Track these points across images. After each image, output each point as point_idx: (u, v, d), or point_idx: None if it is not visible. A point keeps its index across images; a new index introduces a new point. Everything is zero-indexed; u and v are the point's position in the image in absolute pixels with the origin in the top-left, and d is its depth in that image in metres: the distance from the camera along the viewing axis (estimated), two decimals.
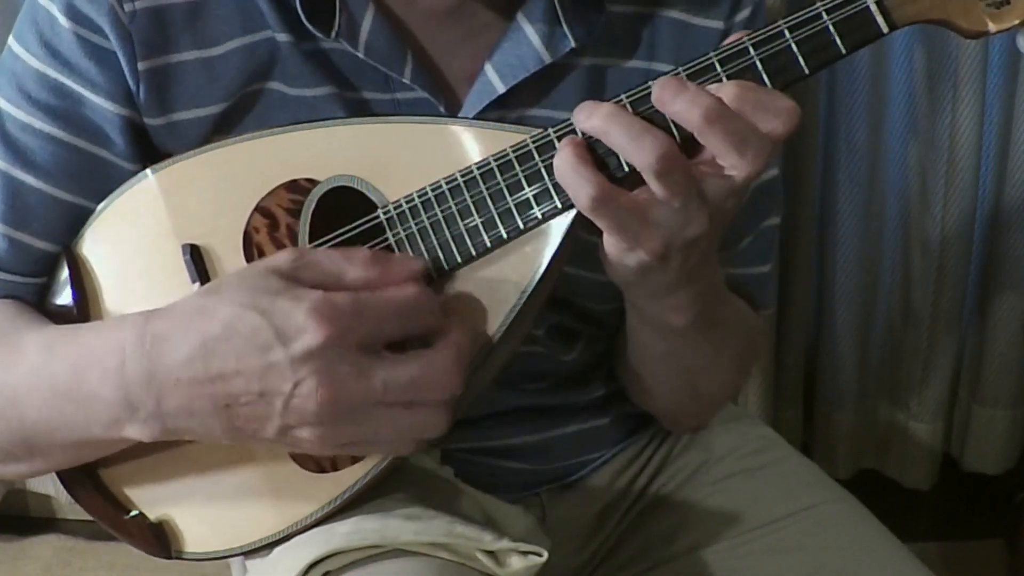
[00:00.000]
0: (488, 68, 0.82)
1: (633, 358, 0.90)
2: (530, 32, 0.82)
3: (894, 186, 1.56)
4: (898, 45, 1.47)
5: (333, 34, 0.80)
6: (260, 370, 0.68)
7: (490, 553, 0.78)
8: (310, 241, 0.78)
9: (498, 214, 0.74)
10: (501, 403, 0.92)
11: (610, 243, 0.71)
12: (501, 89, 0.82)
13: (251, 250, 0.78)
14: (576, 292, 0.87)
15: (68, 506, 1.75)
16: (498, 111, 0.83)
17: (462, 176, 0.74)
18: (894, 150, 1.54)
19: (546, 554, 0.78)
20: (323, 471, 0.78)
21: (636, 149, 0.68)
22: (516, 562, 0.78)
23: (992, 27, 0.70)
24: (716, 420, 1.03)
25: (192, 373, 0.69)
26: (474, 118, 0.82)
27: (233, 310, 0.69)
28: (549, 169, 0.72)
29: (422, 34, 0.83)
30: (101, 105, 0.81)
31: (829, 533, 0.92)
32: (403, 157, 0.76)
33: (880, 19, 0.69)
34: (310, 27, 0.79)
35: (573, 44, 0.82)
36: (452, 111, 0.84)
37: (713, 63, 0.70)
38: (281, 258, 0.71)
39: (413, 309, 0.71)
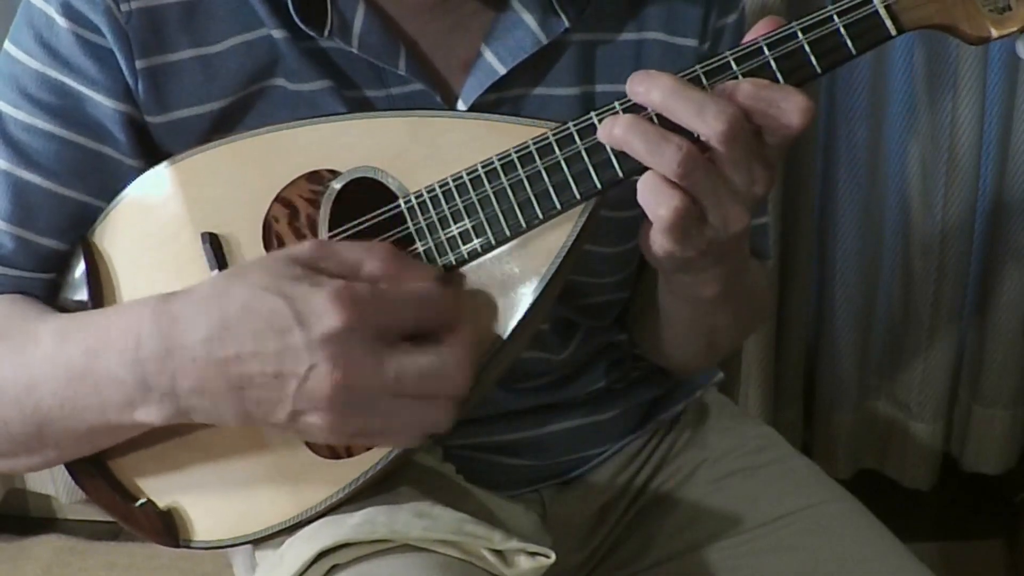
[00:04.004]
0: (486, 52, 0.84)
1: (658, 321, 0.92)
2: (525, 16, 0.84)
3: (894, 186, 1.56)
4: (899, 45, 1.47)
5: (326, 32, 0.81)
6: (277, 352, 0.68)
7: (498, 552, 0.79)
8: (329, 230, 0.79)
9: (518, 205, 0.75)
10: (499, 402, 0.93)
11: (663, 243, 0.72)
12: (502, 71, 0.84)
13: (271, 239, 0.79)
14: (581, 268, 0.88)
15: (68, 506, 1.75)
16: (495, 93, 0.85)
17: (483, 167, 0.75)
18: (894, 150, 1.54)
19: (554, 556, 0.78)
20: (337, 457, 0.78)
21: (700, 119, 0.69)
22: (524, 562, 0.78)
23: (994, 32, 0.72)
24: (716, 419, 1.04)
25: (209, 352, 0.69)
26: (474, 102, 0.84)
27: (253, 292, 0.69)
28: (569, 161, 0.74)
29: (412, 27, 0.84)
30: (102, 103, 0.82)
31: (829, 533, 0.92)
32: (423, 149, 0.77)
33: (889, 22, 0.71)
34: (304, 27, 0.80)
35: (567, 24, 0.84)
36: (448, 100, 0.85)
37: (729, 62, 0.72)
38: (303, 247, 0.72)
39: (429, 302, 0.72)
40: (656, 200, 0.70)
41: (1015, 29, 0.72)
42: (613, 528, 0.99)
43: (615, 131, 0.71)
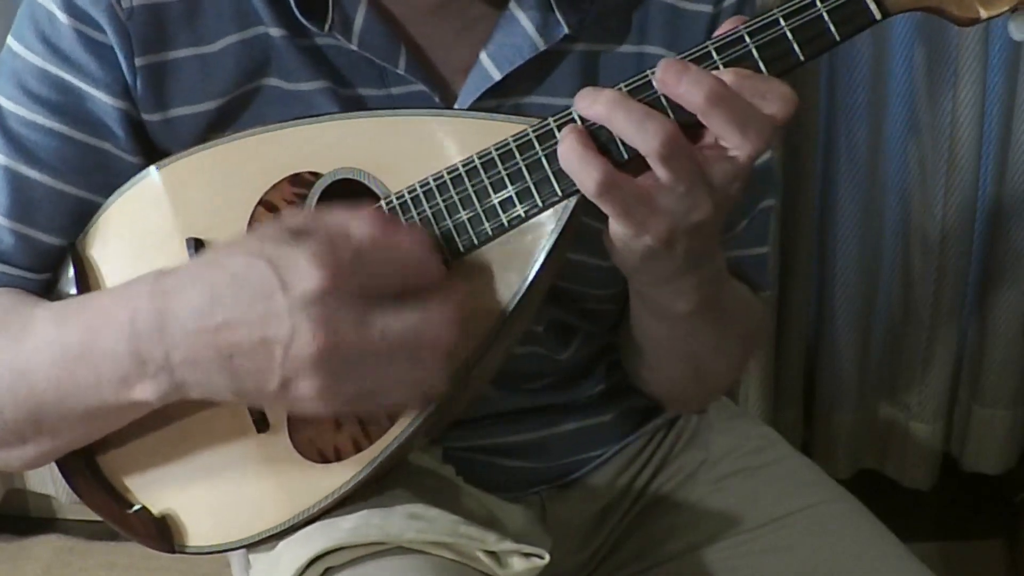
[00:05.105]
0: (483, 56, 0.83)
1: (637, 344, 0.91)
2: (523, 19, 0.83)
3: (894, 185, 1.56)
4: (898, 43, 1.47)
5: (327, 28, 0.80)
6: (261, 316, 0.67)
7: (492, 553, 0.78)
8: None
9: (500, 202, 0.75)
10: (499, 403, 0.93)
11: (616, 229, 0.71)
12: (497, 76, 0.83)
13: None
14: (576, 278, 0.88)
15: (68, 506, 1.75)
16: (494, 99, 0.84)
17: (464, 166, 0.75)
18: (894, 149, 1.54)
19: (548, 556, 0.78)
20: (327, 461, 0.78)
21: (640, 134, 0.68)
22: (518, 563, 0.78)
23: (984, 13, 0.70)
24: (716, 419, 1.04)
25: (200, 322, 0.69)
26: (470, 106, 0.83)
27: (242, 259, 0.69)
28: (550, 158, 0.73)
29: (414, 28, 0.84)
30: (101, 99, 0.82)
31: (829, 533, 0.92)
32: (405, 149, 0.77)
33: (872, 6, 0.69)
34: (304, 21, 0.80)
35: (566, 30, 0.83)
36: (448, 103, 0.84)
37: (710, 51, 0.70)
38: (294, 217, 0.72)
39: (413, 261, 0.71)
40: (582, 168, 0.69)
41: (1006, 9, 0.69)
42: (613, 529, 0.99)
43: (597, 107, 0.69)
